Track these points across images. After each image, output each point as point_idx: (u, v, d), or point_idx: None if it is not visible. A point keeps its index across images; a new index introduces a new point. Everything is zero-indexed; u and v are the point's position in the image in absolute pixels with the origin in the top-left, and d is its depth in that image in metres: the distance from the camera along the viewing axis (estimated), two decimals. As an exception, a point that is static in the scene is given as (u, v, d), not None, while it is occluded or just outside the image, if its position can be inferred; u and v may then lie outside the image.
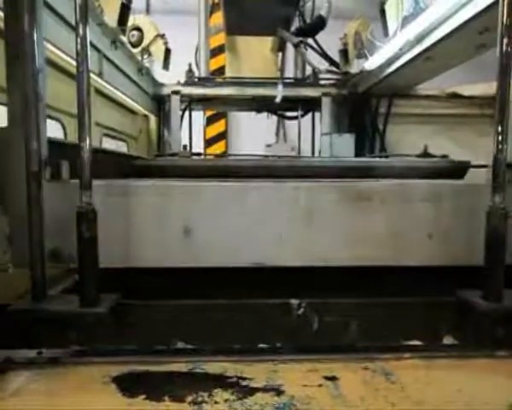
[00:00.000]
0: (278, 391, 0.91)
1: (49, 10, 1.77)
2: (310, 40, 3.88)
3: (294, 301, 1.03)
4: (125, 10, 2.34)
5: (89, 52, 1.03)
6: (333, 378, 0.96)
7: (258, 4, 2.21)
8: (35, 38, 1.05)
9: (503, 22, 0.98)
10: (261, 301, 1.07)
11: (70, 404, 0.87)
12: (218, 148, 6.15)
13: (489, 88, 3.77)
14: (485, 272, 0.95)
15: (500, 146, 0.92)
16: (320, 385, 0.93)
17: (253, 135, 6.01)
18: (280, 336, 1.04)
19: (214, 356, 1.01)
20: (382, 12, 2.78)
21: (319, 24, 2.45)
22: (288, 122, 5.15)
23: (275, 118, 4.54)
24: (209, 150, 5.82)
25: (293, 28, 2.98)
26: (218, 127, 6.05)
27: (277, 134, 6.27)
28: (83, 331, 0.93)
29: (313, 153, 4.23)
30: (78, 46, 0.99)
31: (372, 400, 0.89)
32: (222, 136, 6.12)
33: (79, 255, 0.90)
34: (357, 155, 3.75)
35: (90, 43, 2.18)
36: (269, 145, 6.05)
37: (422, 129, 3.90)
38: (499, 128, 0.94)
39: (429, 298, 1.06)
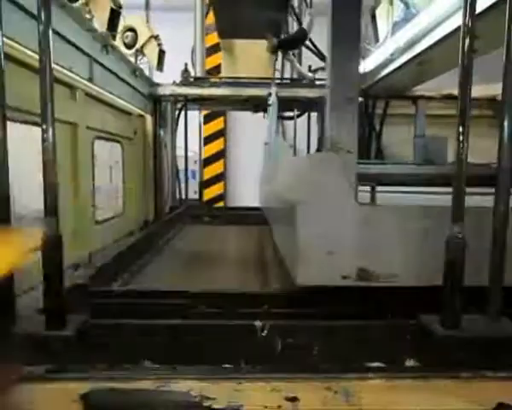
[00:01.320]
0: (238, 412, 0.93)
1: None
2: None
3: (258, 323, 1.05)
4: (115, 15, 2.34)
5: (51, 48, 1.00)
6: (293, 399, 0.98)
7: (248, 9, 2.21)
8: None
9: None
10: (227, 323, 1.09)
11: (35, 423, 0.91)
12: (216, 146, 6.17)
13: (487, 90, 3.75)
14: (444, 298, 0.97)
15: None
16: (279, 406, 0.96)
17: (251, 133, 6.00)
18: (245, 356, 1.06)
19: (181, 375, 1.03)
20: (373, 17, 2.76)
21: (300, 37, 2.44)
22: (286, 120, 5.14)
23: (273, 116, 4.53)
24: (207, 148, 5.83)
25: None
26: (217, 125, 6.06)
27: (276, 132, 6.25)
28: (49, 352, 0.96)
29: (309, 152, 4.24)
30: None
31: (327, 423, 0.92)
32: (220, 134, 6.13)
33: (45, 279, 0.93)
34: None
35: (79, 48, 2.20)
36: (267, 143, 6.04)
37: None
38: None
39: (391, 321, 1.08)
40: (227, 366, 1.06)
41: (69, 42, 2.07)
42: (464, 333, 0.95)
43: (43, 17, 0.96)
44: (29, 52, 1.72)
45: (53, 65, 1.92)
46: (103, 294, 1.32)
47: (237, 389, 1.01)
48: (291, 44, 2.60)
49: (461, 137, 1.00)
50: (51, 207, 0.92)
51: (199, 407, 0.94)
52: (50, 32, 0.99)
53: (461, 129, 1.00)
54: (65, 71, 2.10)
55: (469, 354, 0.98)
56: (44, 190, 0.92)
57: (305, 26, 2.43)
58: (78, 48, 2.18)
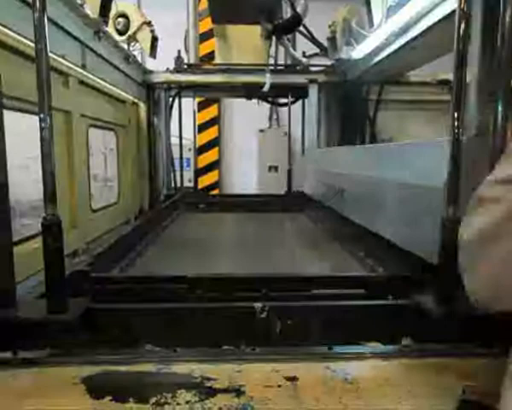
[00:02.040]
0: (239, 392, 0.95)
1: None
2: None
3: (258, 305, 1.07)
4: (106, 1, 2.31)
5: (47, 34, 1.00)
6: (293, 379, 1.01)
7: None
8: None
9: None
10: (227, 305, 1.11)
11: (38, 404, 0.92)
12: (210, 133, 6.13)
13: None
14: (439, 281, 0.99)
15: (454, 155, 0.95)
16: (279, 386, 0.98)
17: (245, 120, 5.98)
18: (245, 338, 1.08)
19: (182, 357, 1.05)
20: (368, 2, 2.75)
21: (295, 22, 2.42)
22: (281, 107, 5.12)
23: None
24: (200, 136, 5.79)
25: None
26: (210, 113, 6.02)
27: (270, 119, 6.23)
28: (52, 337, 0.97)
29: (303, 139, 4.24)
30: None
31: (327, 400, 0.94)
32: (214, 121, 6.10)
33: (46, 264, 0.93)
34: (349, 144, 3.77)
35: (72, 35, 2.17)
36: (262, 130, 6.04)
37: (414, 115, 3.90)
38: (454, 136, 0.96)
39: (388, 301, 1.10)
40: (227, 347, 1.07)
41: (61, 28, 2.04)
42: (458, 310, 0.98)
43: (37, 4, 0.95)
44: (20, 38, 1.70)
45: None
46: (104, 280, 1.33)
47: (238, 370, 1.03)
48: (285, 30, 2.58)
49: (455, 122, 1.01)
50: (50, 194, 0.92)
51: (200, 388, 0.96)
52: (46, 19, 0.98)
53: (456, 114, 1.01)
54: (57, 58, 2.08)
55: (463, 331, 1.00)
56: (43, 178, 0.92)
57: (299, 10, 2.41)
58: (70, 34, 2.15)
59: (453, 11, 2.16)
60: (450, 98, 1.03)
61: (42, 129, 0.91)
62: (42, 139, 0.91)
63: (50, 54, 2.00)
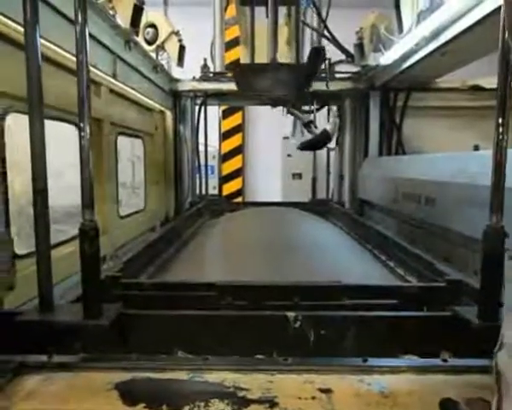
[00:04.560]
0: (272, 403, 0.93)
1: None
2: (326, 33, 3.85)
3: (291, 314, 1.05)
4: (137, 11, 2.36)
5: (88, 47, 1.03)
6: (327, 391, 0.98)
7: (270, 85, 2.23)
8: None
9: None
10: (260, 314, 1.09)
11: (75, 408, 0.93)
12: (234, 141, 6.17)
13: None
14: (482, 292, 0.95)
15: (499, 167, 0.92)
16: (313, 397, 0.96)
17: (269, 127, 5.99)
18: (278, 348, 1.06)
19: (214, 365, 1.04)
20: (397, 7, 2.71)
21: (324, 139, 2.52)
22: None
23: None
24: (225, 144, 5.84)
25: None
26: (235, 120, 6.06)
27: (294, 126, 6.22)
28: (87, 341, 0.98)
29: (328, 147, 4.21)
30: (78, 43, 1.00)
31: (363, 414, 0.92)
32: (238, 129, 6.13)
33: (83, 269, 0.94)
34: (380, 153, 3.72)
35: (104, 45, 2.22)
36: (286, 138, 6.03)
37: (442, 122, 3.82)
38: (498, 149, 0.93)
39: (426, 313, 1.06)
40: (260, 357, 1.06)
41: (94, 38, 2.10)
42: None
43: (80, 19, 0.98)
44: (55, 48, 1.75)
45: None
46: (134, 285, 1.34)
47: (270, 380, 1.01)
48: (315, 146, 2.66)
49: (500, 129, 0.97)
50: (87, 200, 0.94)
51: (233, 397, 0.95)
52: (87, 33, 1.00)
53: (500, 120, 0.97)
54: (90, 67, 2.13)
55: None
56: (82, 185, 0.94)
57: (328, 128, 2.47)
58: (102, 44, 2.20)
59: (486, 15, 2.13)
60: (496, 104, 1.00)
61: (81, 138, 0.93)
62: (81, 148, 0.92)
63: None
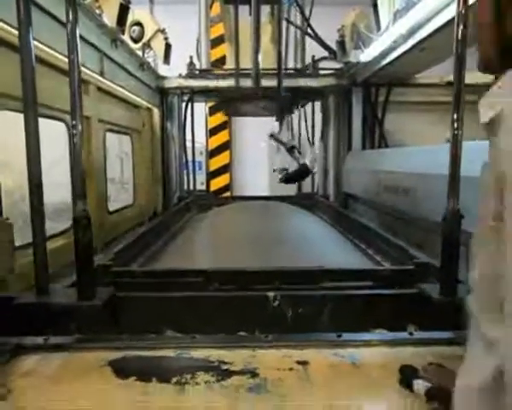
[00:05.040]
0: (253, 374, 1.02)
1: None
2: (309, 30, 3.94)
3: (271, 294, 1.14)
4: (123, 10, 2.42)
5: (78, 47, 1.11)
6: (304, 363, 1.07)
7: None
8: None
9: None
10: (242, 294, 1.18)
11: (71, 384, 1.00)
12: (221, 137, 6.24)
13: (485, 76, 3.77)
14: (442, 270, 1.05)
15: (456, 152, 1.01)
16: (291, 369, 1.05)
17: (256, 123, 6.05)
18: (259, 325, 1.15)
19: (200, 343, 1.12)
20: (375, 6, 2.81)
21: (304, 171, 2.71)
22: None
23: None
24: (212, 140, 5.91)
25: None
26: (221, 117, 6.13)
27: (281, 123, 6.29)
28: (81, 321, 1.05)
29: (313, 140, 4.31)
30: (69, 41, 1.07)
31: (335, 382, 1.01)
32: (225, 125, 6.20)
33: (77, 256, 1.02)
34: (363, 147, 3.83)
35: (91, 44, 2.28)
36: (271, 135, 6.08)
37: (422, 117, 3.94)
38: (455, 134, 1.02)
39: (394, 290, 1.16)
40: (243, 334, 1.14)
41: (81, 37, 2.14)
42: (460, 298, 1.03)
43: (70, 17, 1.04)
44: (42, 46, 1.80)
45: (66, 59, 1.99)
46: (124, 273, 1.41)
47: (252, 355, 1.10)
48: (295, 178, 2.85)
49: (455, 124, 1.07)
50: (80, 191, 1.01)
51: (217, 370, 1.03)
52: (78, 33, 1.07)
53: (455, 115, 1.07)
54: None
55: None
56: (73, 177, 1.01)
57: (307, 161, 2.63)
58: (89, 43, 2.25)
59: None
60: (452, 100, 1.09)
61: (73, 134, 1.00)
62: (73, 142, 1.00)
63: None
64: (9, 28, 1.47)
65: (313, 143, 4.27)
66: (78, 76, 1.06)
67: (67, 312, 1.04)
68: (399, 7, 2.46)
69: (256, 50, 2.28)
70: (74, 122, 1.00)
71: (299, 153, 2.73)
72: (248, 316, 1.16)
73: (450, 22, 2.32)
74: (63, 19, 1.55)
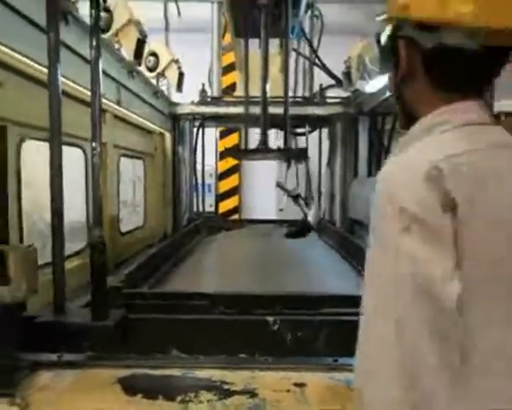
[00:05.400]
0: (253, 394, 1.09)
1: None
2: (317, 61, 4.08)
3: (270, 318, 1.21)
4: (140, 44, 2.57)
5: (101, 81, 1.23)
6: (301, 385, 1.13)
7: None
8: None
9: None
10: (244, 318, 1.25)
11: (83, 399, 1.08)
12: (231, 160, 6.38)
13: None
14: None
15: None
16: (288, 390, 1.11)
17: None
18: (259, 348, 1.22)
19: (203, 363, 1.19)
20: (378, 42, 2.92)
21: (306, 228, 2.88)
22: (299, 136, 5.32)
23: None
24: (222, 163, 6.03)
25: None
26: (231, 140, 6.27)
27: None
28: (94, 340, 1.13)
29: (320, 167, 4.40)
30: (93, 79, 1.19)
31: (330, 403, 1.07)
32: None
33: (92, 278, 1.11)
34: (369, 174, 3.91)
35: (109, 75, 2.43)
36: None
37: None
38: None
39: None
40: (243, 356, 1.21)
41: (102, 71, 2.30)
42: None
43: (93, 53, 1.16)
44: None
45: (82, 89, 2.12)
46: (136, 295, 1.50)
47: (252, 376, 1.16)
48: (298, 235, 3.04)
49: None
50: (97, 218, 1.11)
51: (219, 390, 1.10)
52: (101, 69, 1.18)
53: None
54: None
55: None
56: (93, 203, 1.11)
57: (310, 219, 2.80)
58: (108, 75, 2.40)
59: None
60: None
61: (94, 161, 1.10)
62: (93, 169, 1.10)
63: (87, 91, 2.24)
64: (36, 65, 1.61)
65: (320, 194, 4.35)
66: (99, 107, 1.17)
67: (82, 331, 1.13)
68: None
69: (264, 80, 2.40)
70: (95, 152, 1.11)
71: (306, 203, 2.86)
72: (249, 339, 1.22)
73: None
74: (85, 54, 1.70)
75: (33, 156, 1.85)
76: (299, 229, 2.85)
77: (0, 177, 1.04)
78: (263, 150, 2.45)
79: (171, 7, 5.04)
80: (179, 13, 4.94)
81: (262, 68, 2.52)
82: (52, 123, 1.17)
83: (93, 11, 1.24)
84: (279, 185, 2.91)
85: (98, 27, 1.31)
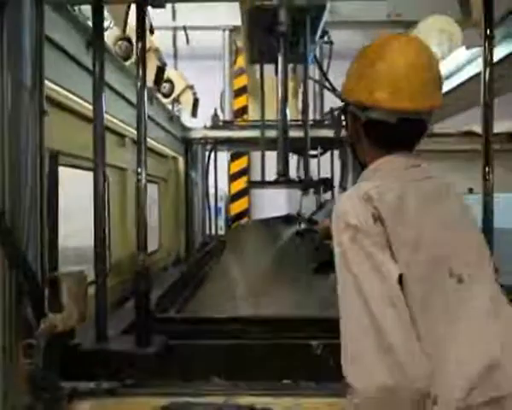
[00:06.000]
0: (299, 421, 1.06)
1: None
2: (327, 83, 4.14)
3: (314, 343, 1.20)
4: (160, 71, 2.63)
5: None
6: (348, 411, 1.11)
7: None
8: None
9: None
10: (286, 342, 1.23)
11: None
12: (240, 183, 6.42)
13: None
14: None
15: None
16: (336, 417, 1.09)
17: (272, 169, 6.21)
18: (303, 373, 1.19)
19: (246, 390, 1.17)
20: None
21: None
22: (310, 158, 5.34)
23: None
24: (233, 185, 6.08)
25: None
26: (241, 163, 6.33)
27: (298, 169, 6.45)
28: (137, 368, 1.12)
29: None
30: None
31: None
32: (244, 172, 6.40)
33: (136, 306, 1.10)
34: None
35: (130, 102, 2.46)
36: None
37: (436, 165, 4.03)
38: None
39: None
40: (287, 381, 1.19)
41: (123, 97, 2.34)
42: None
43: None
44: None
45: (108, 116, 2.17)
46: (167, 320, 1.48)
47: (297, 403, 1.14)
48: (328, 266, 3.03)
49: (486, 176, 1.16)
50: (142, 244, 1.11)
51: (264, 419, 1.08)
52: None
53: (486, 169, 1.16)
54: (117, 122, 2.36)
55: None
56: (138, 230, 1.11)
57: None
58: (128, 101, 2.44)
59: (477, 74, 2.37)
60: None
61: (139, 187, 1.11)
62: (138, 196, 1.10)
63: (112, 118, 2.27)
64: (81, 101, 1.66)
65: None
66: (144, 140, 1.19)
67: (127, 359, 1.11)
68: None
69: (284, 105, 2.43)
70: (140, 177, 1.12)
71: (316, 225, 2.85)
72: (292, 363, 1.21)
73: (465, 82, 2.46)
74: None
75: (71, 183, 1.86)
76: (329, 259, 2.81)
77: (52, 202, 1.05)
78: (284, 181, 2.45)
79: (181, 35, 5.17)
80: (188, 41, 5.06)
81: (280, 94, 2.55)
82: (96, 153, 1.20)
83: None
84: (299, 215, 2.90)
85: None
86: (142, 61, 1.31)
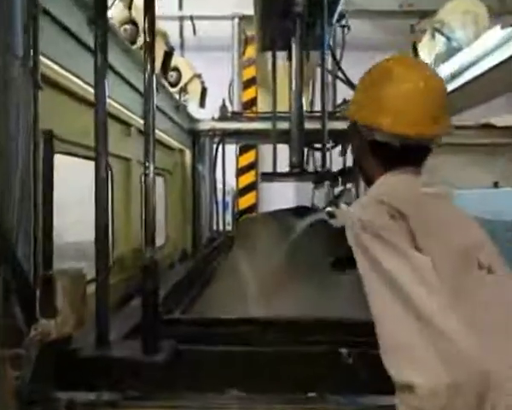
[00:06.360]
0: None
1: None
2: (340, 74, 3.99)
3: (344, 350, 1.06)
4: (168, 57, 2.49)
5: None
6: (381, 430, 0.98)
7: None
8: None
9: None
10: (311, 349, 1.10)
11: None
12: (248, 177, 6.28)
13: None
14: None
15: None
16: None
17: (283, 164, 6.07)
18: (330, 384, 1.06)
19: (264, 404, 1.04)
20: (414, 49, 2.82)
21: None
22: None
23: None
24: (241, 179, 5.93)
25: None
26: (249, 157, 6.20)
27: (307, 163, 6.30)
28: (143, 377, 0.99)
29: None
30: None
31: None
32: (252, 166, 6.27)
33: (143, 306, 0.97)
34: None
35: (136, 89, 2.33)
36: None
37: (455, 159, 3.88)
38: None
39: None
40: (311, 394, 1.06)
41: (127, 82, 2.21)
42: None
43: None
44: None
45: (112, 102, 2.02)
46: (175, 322, 1.35)
47: (322, 419, 1.01)
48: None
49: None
50: (150, 238, 0.97)
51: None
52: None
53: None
54: (121, 108, 2.24)
55: None
56: (145, 223, 0.98)
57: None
58: (133, 87, 2.31)
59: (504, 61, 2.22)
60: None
61: (146, 180, 0.98)
62: (146, 188, 0.97)
63: (115, 104, 2.13)
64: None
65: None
66: (152, 134, 1.07)
67: (130, 367, 0.98)
68: (439, 51, 2.47)
69: (299, 94, 2.29)
70: (147, 172, 1.00)
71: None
72: (318, 373, 1.07)
73: (491, 69, 2.31)
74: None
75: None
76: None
77: (47, 192, 0.92)
78: (299, 173, 2.33)
79: (188, 25, 5.03)
80: (195, 31, 4.92)
81: (295, 81, 2.41)
82: (98, 140, 1.07)
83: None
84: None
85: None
86: (150, 46, 1.18)
